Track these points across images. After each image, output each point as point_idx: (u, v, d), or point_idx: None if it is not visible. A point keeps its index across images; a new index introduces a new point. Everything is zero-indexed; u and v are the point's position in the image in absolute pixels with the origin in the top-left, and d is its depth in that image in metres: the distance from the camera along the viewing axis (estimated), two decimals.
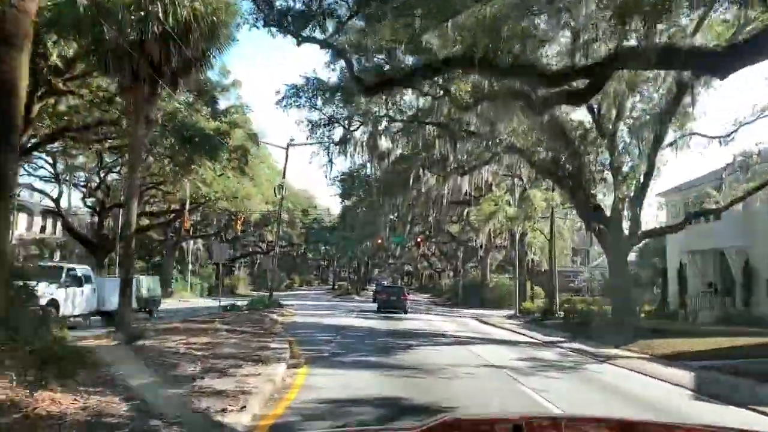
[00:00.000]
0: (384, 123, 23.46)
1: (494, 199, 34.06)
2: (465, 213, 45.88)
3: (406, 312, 32.25)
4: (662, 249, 37.89)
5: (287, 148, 31.08)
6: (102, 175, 35.13)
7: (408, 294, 39.06)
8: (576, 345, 18.93)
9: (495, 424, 3.16)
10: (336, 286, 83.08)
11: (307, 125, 23.12)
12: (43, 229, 51.31)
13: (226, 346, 12.36)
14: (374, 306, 36.36)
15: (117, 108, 19.32)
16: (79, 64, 19.87)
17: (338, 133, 24.46)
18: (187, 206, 30.02)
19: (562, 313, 30.93)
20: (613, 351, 17.12)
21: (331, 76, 23.33)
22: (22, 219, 45.71)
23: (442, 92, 19.60)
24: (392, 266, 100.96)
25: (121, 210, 37.40)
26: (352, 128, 22.91)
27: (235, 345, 12.59)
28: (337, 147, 23.03)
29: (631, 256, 54.35)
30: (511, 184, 35.18)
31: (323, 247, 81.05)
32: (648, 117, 20.04)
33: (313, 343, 15.55)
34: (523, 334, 23.26)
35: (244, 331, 15.89)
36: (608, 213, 22.42)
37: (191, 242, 52.66)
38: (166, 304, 40.01)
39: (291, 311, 29.32)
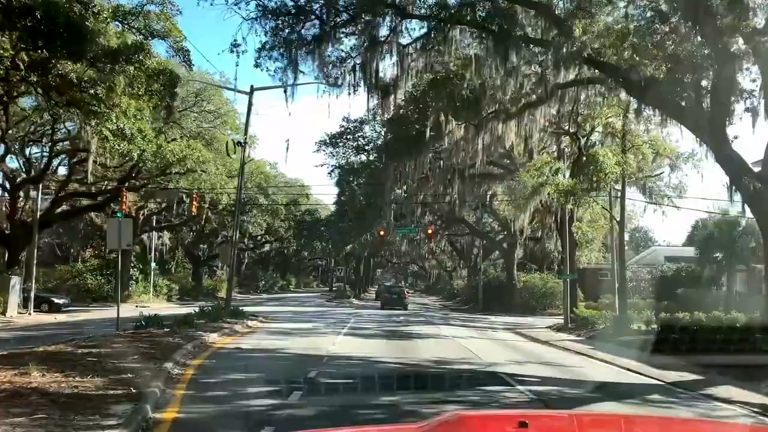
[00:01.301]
0: (388, 20, 14.11)
1: (539, 168, 24.72)
2: (489, 196, 37.03)
3: (406, 308, 37.32)
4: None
5: (250, 94, 21.89)
6: (8, 135, 25.72)
7: (409, 293, 47.92)
8: (755, 396, 9.95)
9: (499, 421, 3.04)
10: (333, 288, 73.89)
11: (260, 13, 13.45)
12: None
13: None
14: (375, 315, 32.46)
15: None
16: None
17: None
18: (90, 167, 20.58)
19: (641, 325, 21.73)
20: None
21: None
22: None
23: None
24: (396, 266, 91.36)
25: (40, 186, 28.32)
26: (337, 20, 13.36)
27: None
28: (307, 46, 13.55)
29: (682, 250, 45.13)
30: (558, 145, 25.87)
31: (319, 244, 71.66)
32: None
33: None
34: (612, 363, 14.19)
35: (53, 403, 6.55)
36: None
37: (154, 234, 43.38)
38: (107, 311, 30.44)
39: (252, 325, 20.04)
